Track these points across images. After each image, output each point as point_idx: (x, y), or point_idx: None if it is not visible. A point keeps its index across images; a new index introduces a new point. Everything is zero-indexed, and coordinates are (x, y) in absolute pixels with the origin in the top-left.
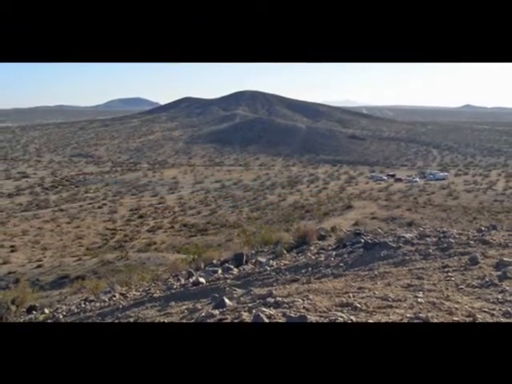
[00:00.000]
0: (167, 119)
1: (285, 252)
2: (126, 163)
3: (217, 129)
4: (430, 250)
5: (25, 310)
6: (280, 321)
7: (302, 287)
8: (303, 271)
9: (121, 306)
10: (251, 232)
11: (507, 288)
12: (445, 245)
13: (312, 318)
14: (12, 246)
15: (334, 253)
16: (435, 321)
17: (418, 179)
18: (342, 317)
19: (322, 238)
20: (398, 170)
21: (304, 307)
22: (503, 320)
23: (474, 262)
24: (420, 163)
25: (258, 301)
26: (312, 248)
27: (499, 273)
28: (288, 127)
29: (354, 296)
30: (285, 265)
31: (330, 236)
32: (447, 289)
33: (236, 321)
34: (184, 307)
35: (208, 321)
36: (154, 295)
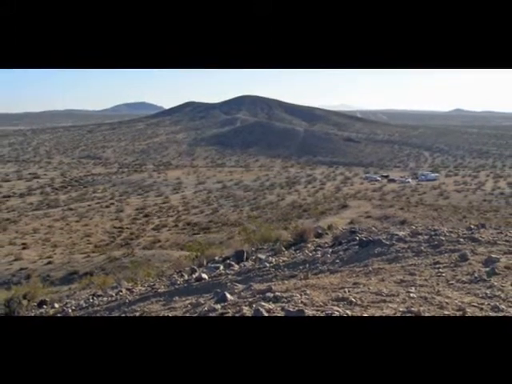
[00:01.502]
0: (171, 123)
1: (283, 249)
2: (132, 165)
3: (219, 132)
4: (422, 248)
5: (36, 304)
6: (279, 315)
7: (300, 283)
8: (301, 267)
9: (127, 301)
10: (251, 230)
11: (495, 283)
12: (436, 242)
13: (309, 312)
14: (24, 244)
15: (331, 250)
16: (427, 315)
17: (410, 180)
18: (337, 311)
19: (318, 235)
20: (391, 171)
21: (302, 302)
22: (492, 314)
23: (464, 258)
24: (412, 165)
25: (257, 296)
26: (309, 245)
27: (488, 269)
28: (286, 130)
29: (349, 291)
30: (283, 261)
31: (327, 234)
32: (438, 284)
33: (237, 315)
34: (187, 302)
35: (210, 315)
36: (159, 290)
